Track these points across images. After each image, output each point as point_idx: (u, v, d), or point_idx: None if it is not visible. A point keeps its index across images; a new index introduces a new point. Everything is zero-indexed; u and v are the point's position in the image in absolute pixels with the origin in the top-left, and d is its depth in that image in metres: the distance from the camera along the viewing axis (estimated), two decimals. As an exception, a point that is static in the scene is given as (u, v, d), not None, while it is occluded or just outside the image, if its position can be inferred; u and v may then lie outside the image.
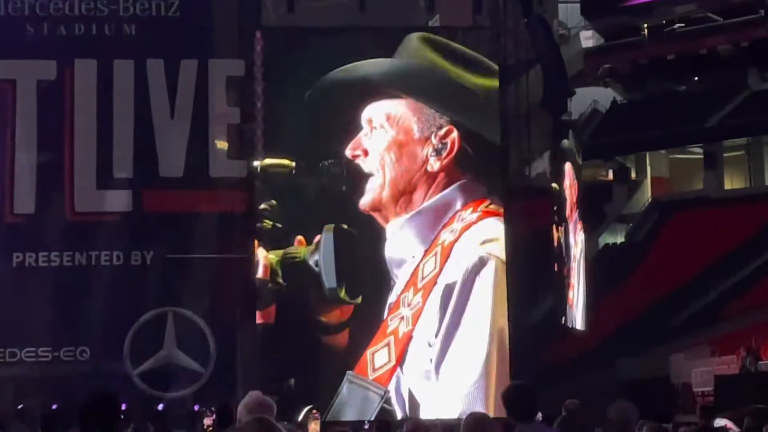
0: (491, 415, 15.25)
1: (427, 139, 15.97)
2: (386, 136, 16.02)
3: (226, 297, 17.31)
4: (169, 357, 17.06)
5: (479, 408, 15.19)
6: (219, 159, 17.78)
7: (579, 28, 42.83)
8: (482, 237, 15.70)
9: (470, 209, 15.98)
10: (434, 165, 15.93)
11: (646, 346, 29.42)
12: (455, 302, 15.41)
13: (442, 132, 15.88)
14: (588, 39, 42.92)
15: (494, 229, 15.91)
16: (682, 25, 41.11)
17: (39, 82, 17.50)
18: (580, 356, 26.71)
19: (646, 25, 41.63)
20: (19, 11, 17.59)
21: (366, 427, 12.56)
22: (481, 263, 15.54)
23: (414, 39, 16.42)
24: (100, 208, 17.43)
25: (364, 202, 16.10)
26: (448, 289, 15.47)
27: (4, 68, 17.49)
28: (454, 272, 15.55)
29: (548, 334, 21.79)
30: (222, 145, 17.94)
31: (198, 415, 15.83)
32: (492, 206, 16.13)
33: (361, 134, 16.16)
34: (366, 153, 16.09)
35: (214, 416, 8.63)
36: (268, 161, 16.92)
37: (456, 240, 15.72)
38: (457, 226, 15.84)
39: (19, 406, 13.85)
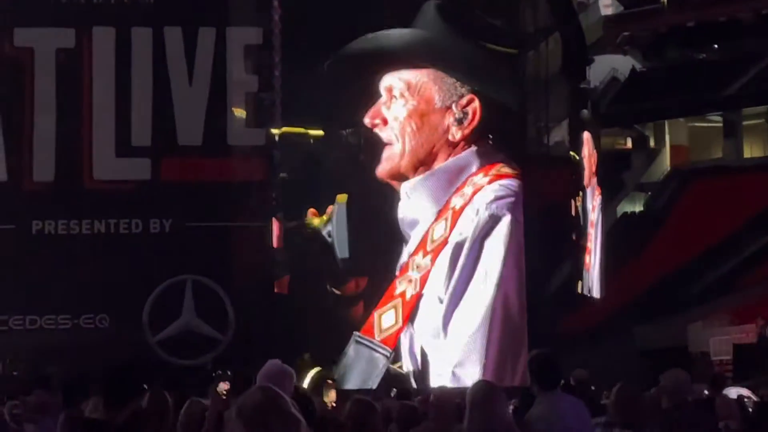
0: (488, 367, 15.30)
1: (449, 108, 15.84)
2: (407, 105, 15.89)
3: (245, 265, 17.35)
4: (188, 324, 17.14)
5: (476, 359, 15.16)
6: (237, 127, 17.80)
7: (598, -5, 42.61)
8: (492, 195, 15.59)
9: (482, 173, 15.89)
10: (456, 134, 15.82)
11: (664, 314, 29.40)
12: (465, 259, 15.35)
13: (463, 101, 15.74)
14: (607, 6, 42.72)
15: (505, 188, 15.78)
16: (702, -8, 40.88)
17: (58, 51, 17.52)
18: (597, 325, 26.70)
19: (665, -7, 41.40)
20: (37, -21, 17.64)
21: (393, 395, 12.61)
22: (493, 220, 15.45)
23: (432, 8, 16.25)
24: (119, 176, 17.47)
25: (382, 169, 15.99)
26: (458, 247, 15.39)
27: (23, 36, 17.51)
28: (464, 231, 15.47)
29: (565, 302, 21.79)
30: (240, 113, 17.96)
31: (214, 379, 15.93)
32: (504, 169, 15.98)
33: (380, 102, 16.04)
34: (385, 122, 15.98)
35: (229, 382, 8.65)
36: (286, 129, 16.87)
37: (467, 203, 15.63)
38: (468, 190, 15.75)
39: (40, 373, 13.94)
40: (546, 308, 17.97)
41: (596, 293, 21.58)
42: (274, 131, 17.17)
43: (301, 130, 16.52)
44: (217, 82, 17.64)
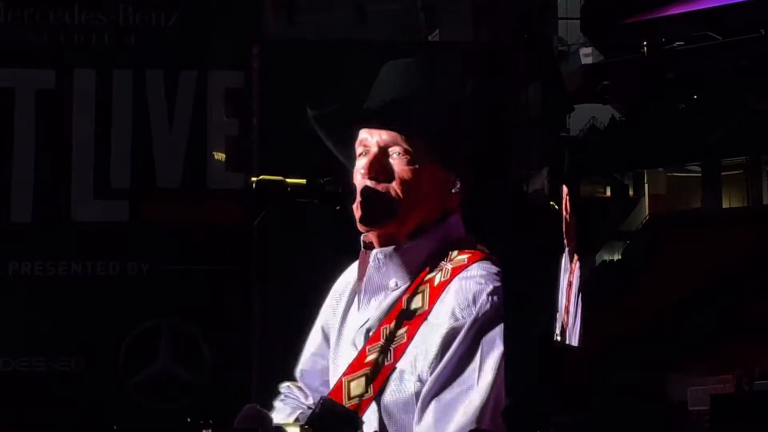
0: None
1: (447, 172, 15.41)
2: (411, 164, 15.30)
3: (223, 309, 17.28)
4: (164, 368, 17.02)
5: None
6: (217, 170, 17.73)
7: (578, 44, 42.98)
8: (491, 285, 15.08)
9: (456, 251, 15.49)
10: (453, 199, 15.40)
11: (641, 363, 29.42)
12: (457, 346, 14.88)
13: (459, 166, 15.27)
14: (587, 56, 43.14)
15: (495, 277, 15.35)
16: (682, 43, 41.28)
17: (38, 92, 17.50)
18: (574, 373, 26.67)
19: (645, 43, 41.76)
20: (18, 19, 17.60)
21: None
22: (493, 312, 15.00)
23: (413, 66, 15.92)
24: (97, 217, 17.34)
25: (374, 226, 15.39)
26: (453, 332, 14.97)
27: (2, 77, 17.46)
28: (460, 315, 15.01)
29: (543, 350, 21.77)
30: (220, 156, 17.93)
31: (189, 425, 15.83)
32: (480, 246, 15.63)
33: (374, 155, 15.48)
34: (387, 178, 15.35)
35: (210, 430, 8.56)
36: (263, 177, 16.74)
37: (447, 281, 15.17)
38: (447, 266, 15.28)
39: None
40: (524, 356, 17.90)
41: (575, 344, 21.59)
42: (253, 179, 17.10)
43: (278, 177, 16.41)
44: (197, 125, 17.61)
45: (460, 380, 16.07)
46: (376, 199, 18.07)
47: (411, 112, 16.65)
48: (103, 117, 17.57)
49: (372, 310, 17.38)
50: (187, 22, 18.00)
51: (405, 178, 16.88)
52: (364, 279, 16.85)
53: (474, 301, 16.30)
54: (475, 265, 17.16)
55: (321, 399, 15.50)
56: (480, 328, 16.19)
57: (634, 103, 42.20)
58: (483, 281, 16.42)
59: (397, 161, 17.23)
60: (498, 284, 16.04)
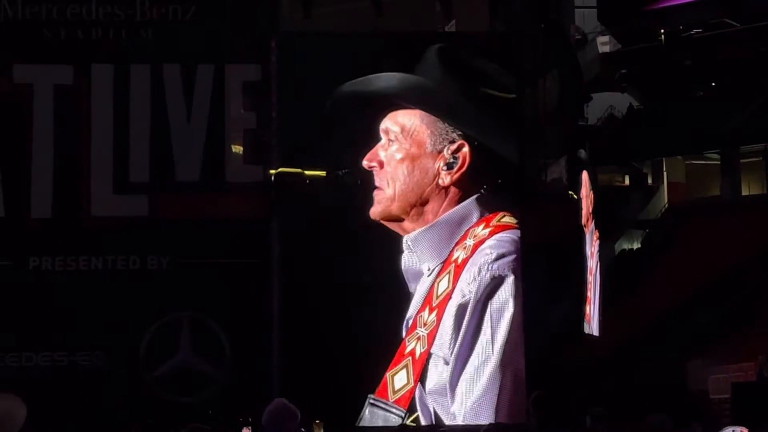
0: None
1: (440, 152, 15.81)
2: (400, 149, 15.87)
3: (243, 302, 17.30)
4: (185, 362, 17.07)
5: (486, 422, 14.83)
6: (235, 163, 17.78)
7: (596, 33, 42.82)
8: (495, 252, 15.36)
9: (483, 224, 15.71)
10: (445, 179, 15.74)
11: (662, 352, 29.34)
12: (468, 322, 15.14)
13: (453, 146, 15.70)
14: (605, 44, 42.97)
15: (507, 244, 15.58)
16: (699, 30, 41.06)
17: (56, 87, 17.53)
18: (595, 362, 26.65)
19: (663, 31, 41.56)
20: (36, 15, 17.63)
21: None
22: (495, 282, 15.19)
23: (433, 52, 16.20)
24: (117, 212, 17.41)
25: (375, 211, 15.93)
26: (462, 308, 15.17)
27: (21, 73, 17.52)
28: (466, 290, 15.25)
29: (564, 340, 21.73)
30: (238, 149, 17.95)
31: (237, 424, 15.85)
32: (505, 219, 15.82)
33: (378, 145, 16.04)
34: (381, 165, 15.90)
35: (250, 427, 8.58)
36: (282, 169, 16.86)
37: (468, 257, 15.40)
38: (469, 242, 15.55)
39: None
40: (545, 346, 17.89)
41: (596, 332, 21.54)
42: (271, 171, 17.17)
43: (297, 170, 16.51)
44: (215, 119, 17.64)
45: (477, 353, 16.23)
46: (374, 190, 17.97)
47: (404, 92, 16.75)
48: (121, 112, 17.65)
49: (415, 299, 17.33)
50: (203, 16, 18.04)
51: (394, 163, 17.25)
52: (403, 269, 16.99)
53: (478, 273, 16.49)
54: (492, 239, 17.28)
55: None
56: (485, 299, 16.31)
57: (652, 92, 42.09)
58: (490, 251, 16.67)
59: (389, 147, 17.57)
60: (504, 251, 16.17)
